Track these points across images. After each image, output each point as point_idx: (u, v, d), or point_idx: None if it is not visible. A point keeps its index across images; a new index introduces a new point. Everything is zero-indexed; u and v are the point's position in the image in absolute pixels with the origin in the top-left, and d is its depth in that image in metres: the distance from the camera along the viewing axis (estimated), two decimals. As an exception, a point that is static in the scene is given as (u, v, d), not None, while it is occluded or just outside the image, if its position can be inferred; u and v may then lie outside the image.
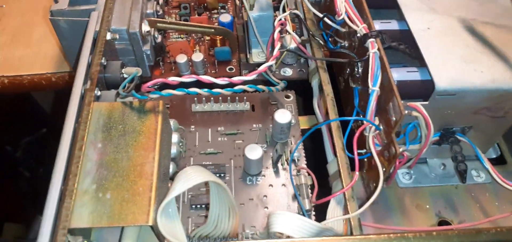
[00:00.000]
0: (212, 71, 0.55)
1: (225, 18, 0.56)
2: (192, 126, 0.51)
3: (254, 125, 0.51)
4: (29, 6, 0.69)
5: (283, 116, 0.47)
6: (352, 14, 0.45)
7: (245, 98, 0.52)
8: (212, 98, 0.50)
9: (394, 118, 0.39)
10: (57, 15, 0.46)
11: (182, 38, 0.58)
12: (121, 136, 0.37)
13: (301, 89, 0.57)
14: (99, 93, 0.41)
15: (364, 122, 0.41)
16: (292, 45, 0.53)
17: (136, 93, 0.38)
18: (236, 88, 0.42)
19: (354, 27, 0.45)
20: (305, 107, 0.55)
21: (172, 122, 0.48)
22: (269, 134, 0.50)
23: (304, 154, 0.49)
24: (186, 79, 0.39)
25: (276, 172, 0.47)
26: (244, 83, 0.42)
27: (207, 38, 0.57)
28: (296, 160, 0.48)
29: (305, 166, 0.47)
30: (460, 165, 0.44)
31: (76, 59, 0.44)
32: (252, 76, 0.42)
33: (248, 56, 0.56)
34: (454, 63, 0.41)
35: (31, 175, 0.99)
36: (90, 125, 0.38)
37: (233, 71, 0.55)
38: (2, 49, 0.64)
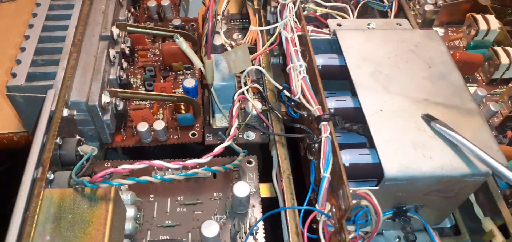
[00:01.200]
0: (175, 137, 0.55)
1: (189, 83, 0.56)
2: (152, 196, 0.51)
3: (215, 194, 0.52)
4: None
5: (241, 189, 0.47)
6: (307, 93, 0.46)
7: (206, 165, 0.53)
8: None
9: (343, 206, 0.39)
10: (14, 90, 0.46)
11: (146, 102, 0.58)
12: (70, 227, 0.37)
13: (264, 152, 0.58)
14: (52, 176, 0.41)
15: (317, 206, 0.42)
16: (254, 112, 0.54)
17: (87, 182, 0.38)
18: (189, 172, 0.43)
19: (309, 107, 0.45)
20: (267, 170, 0.56)
21: (129, 195, 0.48)
22: (229, 204, 0.50)
23: (263, 227, 0.49)
24: (137, 165, 0.39)
25: (241, 249, 0.47)
26: (198, 165, 0.42)
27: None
28: (254, 234, 0.48)
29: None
30: (411, 245, 0.45)
31: (32, 136, 0.44)
32: (206, 159, 0.42)
33: (211, 121, 0.57)
34: (404, 149, 0.42)
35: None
36: (40, 215, 0.37)
37: (196, 136, 0.56)
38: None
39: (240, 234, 0.48)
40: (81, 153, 0.45)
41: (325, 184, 0.41)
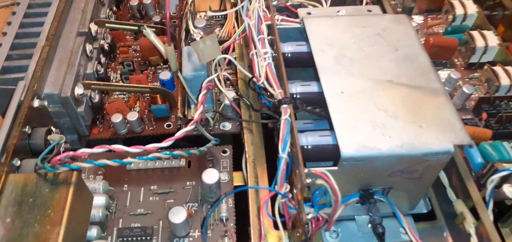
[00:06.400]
0: (150, 128, 0.57)
1: (165, 75, 0.57)
2: (125, 185, 0.52)
3: (188, 183, 0.52)
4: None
5: (210, 176, 0.48)
6: (271, 78, 0.47)
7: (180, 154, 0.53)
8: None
9: (299, 186, 0.40)
10: (-14, 83, 0.48)
11: (124, 95, 0.59)
12: (31, 211, 0.38)
13: (240, 143, 0.58)
14: (18, 163, 0.42)
15: (276, 188, 0.42)
16: (226, 102, 0.55)
17: (48, 166, 0.39)
18: (150, 156, 0.43)
19: (272, 91, 0.46)
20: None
21: (102, 183, 0.49)
22: (202, 192, 0.51)
23: (234, 213, 0.49)
24: (96, 150, 0.40)
25: (204, 233, 0.48)
26: (159, 149, 0.43)
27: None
28: (224, 221, 0.49)
29: (231, 227, 0.48)
30: (377, 227, 0.44)
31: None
32: (168, 143, 0.43)
33: (186, 112, 0.58)
34: (362, 129, 0.41)
35: None
36: (2, 199, 0.39)
37: (171, 127, 0.57)
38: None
39: (210, 220, 0.49)
40: (51, 142, 0.46)
41: (282, 165, 0.41)
